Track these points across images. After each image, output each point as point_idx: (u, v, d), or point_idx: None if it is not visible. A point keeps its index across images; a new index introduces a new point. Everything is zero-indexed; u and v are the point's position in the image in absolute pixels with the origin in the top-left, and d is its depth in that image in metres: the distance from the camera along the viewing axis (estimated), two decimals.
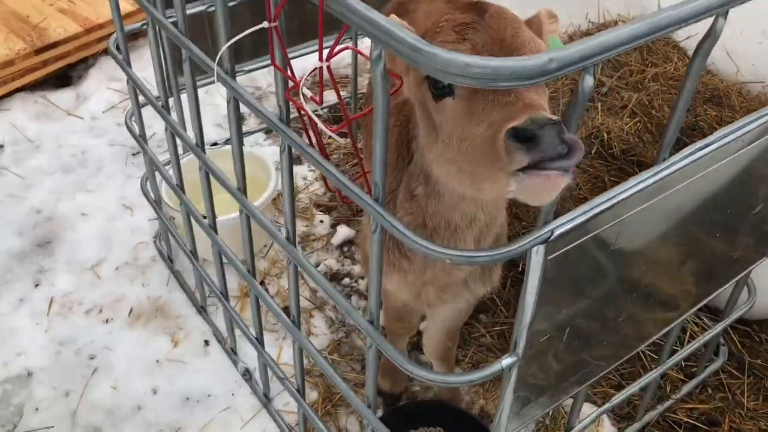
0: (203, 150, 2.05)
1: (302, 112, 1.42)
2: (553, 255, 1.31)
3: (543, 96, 1.30)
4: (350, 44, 3.21)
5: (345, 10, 1.15)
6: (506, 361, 1.45)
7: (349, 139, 1.49)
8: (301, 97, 1.41)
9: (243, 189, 1.89)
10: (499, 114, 1.19)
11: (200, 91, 2.96)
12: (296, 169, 3.40)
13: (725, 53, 3.83)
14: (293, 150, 1.54)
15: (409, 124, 1.68)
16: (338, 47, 1.38)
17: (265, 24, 1.38)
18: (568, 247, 1.32)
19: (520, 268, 2.84)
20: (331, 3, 1.16)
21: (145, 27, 2.53)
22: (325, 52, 1.36)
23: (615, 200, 1.33)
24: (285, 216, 1.69)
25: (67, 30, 3.75)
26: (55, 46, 3.70)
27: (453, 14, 1.36)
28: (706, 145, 1.46)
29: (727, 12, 1.22)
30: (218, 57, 1.59)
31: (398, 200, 1.71)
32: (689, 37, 3.99)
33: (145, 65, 3.22)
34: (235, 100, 1.72)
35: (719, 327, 2.33)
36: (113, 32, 3.87)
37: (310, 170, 3.37)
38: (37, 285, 2.84)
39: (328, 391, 2.45)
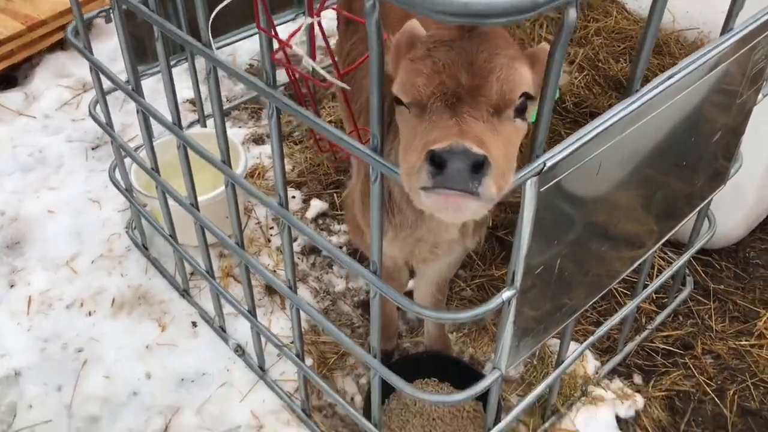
0: (180, 128, 2.07)
1: (291, 71, 1.46)
2: (545, 187, 1.39)
3: (497, 125, 1.29)
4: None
5: None
6: (506, 294, 1.54)
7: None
8: (285, 54, 1.45)
9: (227, 161, 1.92)
10: (434, 135, 1.24)
11: (153, 80, 2.95)
12: (261, 149, 3.42)
13: None
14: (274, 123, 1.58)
15: None
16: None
17: None
18: (557, 179, 1.41)
19: (491, 224, 2.94)
20: None
21: (102, 15, 2.53)
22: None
23: (597, 130, 1.42)
24: (276, 181, 1.73)
25: (8, 28, 3.66)
26: None
27: (439, 31, 1.37)
28: (671, 76, 1.56)
29: None
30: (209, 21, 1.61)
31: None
32: None
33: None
34: (215, 70, 1.75)
35: (684, 258, 2.46)
36: (57, 28, 3.83)
37: None
38: (12, 286, 2.80)
39: (322, 357, 2.51)
